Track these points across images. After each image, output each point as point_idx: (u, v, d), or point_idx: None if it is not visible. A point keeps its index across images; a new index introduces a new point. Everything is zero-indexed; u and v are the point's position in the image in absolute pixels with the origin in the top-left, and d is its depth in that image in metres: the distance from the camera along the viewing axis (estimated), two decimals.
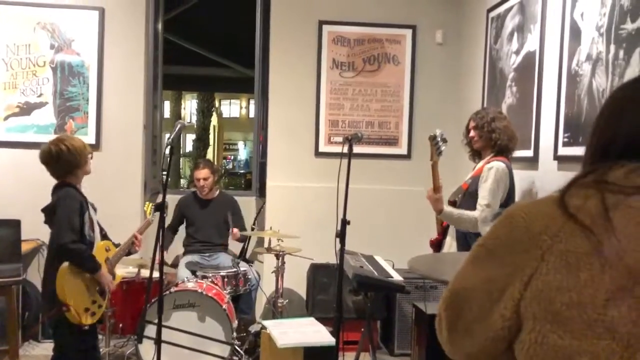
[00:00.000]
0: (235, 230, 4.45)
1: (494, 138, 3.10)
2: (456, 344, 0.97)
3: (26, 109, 4.51)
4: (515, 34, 3.71)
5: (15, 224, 3.40)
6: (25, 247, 3.76)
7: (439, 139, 3.09)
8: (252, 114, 24.39)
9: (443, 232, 3.35)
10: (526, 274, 0.84)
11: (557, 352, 0.80)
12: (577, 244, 0.81)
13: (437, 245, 3.38)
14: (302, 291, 4.63)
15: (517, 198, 3.17)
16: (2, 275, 3.19)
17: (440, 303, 1.00)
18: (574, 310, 0.80)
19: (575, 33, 2.93)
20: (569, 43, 2.99)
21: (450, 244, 3.24)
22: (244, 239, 4.64)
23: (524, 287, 0.84)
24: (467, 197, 3.12)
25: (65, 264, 2.77)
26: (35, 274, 4.47)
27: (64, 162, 2.87)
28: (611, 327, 0.78)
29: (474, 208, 3.07)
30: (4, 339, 3.42)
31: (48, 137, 4.45)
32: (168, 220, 4.14)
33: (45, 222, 2.93)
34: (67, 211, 2.78)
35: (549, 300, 0.81)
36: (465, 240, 3.06)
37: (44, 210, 2.90)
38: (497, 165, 3.04)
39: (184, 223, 4.64)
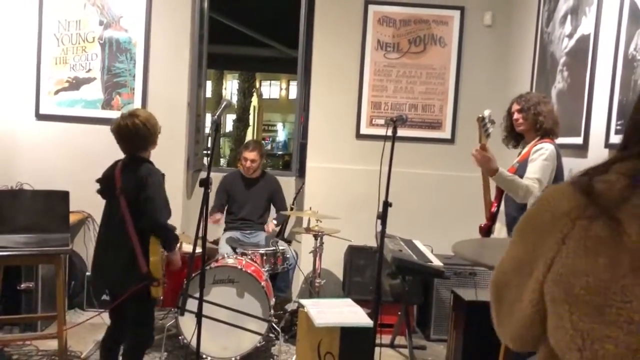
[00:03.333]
0: (270, 227, 4.52)
1: (539, 121, 3.06)
2: (502, 326, 0.98)
3: (75, 84, 4.62)
4: (569, 17, 3.57)
5: (64, 195, 3.48)
6: (72, 219, 3.87)
7: (487, 121, 3.02)
8: (292, 96, 24.38)
9: (492, 218, 3.29)
10: (549, 257, 0.85)
11: (578, 335, 0.80)
12: (598, 228, 0.81)
13: (486, 231, 3.32)
14: (338, 272, 4.65)
15: None
16: (51, 244, 3.29)
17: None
18: (592, 294, 0.79)
19: (635, 15, 2.80)
20: (627, 26, 2.86)
21: (499, 229, 3.17)
22: (283, 220, 4.69)
23: (547, 269, 0.85)
24: None
25: (154, 239, 2.74)
26: (81, 246, 4.63)
27: (142, 137, 2.82)
28: (628, 314, 0.77)
29: None
30: (53, 306, 3.55)
31: (95, 112, 4.62)
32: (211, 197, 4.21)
33: (100, 191, 2.91)
34: (160, 189, 2.74)
35: (568, 283, 0.81)
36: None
37: (102, 180, 2.88)
38: (545, 146, 2.99)
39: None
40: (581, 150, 3.24)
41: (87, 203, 4.42)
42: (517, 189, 2.92)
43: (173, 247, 2.90)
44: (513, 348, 0.97)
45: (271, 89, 29.92)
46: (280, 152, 24.28)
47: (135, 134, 2.81)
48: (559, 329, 0.82)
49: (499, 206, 3.24)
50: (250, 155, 4.59)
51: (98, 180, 2.92)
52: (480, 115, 3.02)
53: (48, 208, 3.50)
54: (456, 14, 4.64)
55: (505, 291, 0.95)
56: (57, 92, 4.62)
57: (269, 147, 26.00)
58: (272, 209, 4.74)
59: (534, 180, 2.92)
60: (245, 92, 23.85)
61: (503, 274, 0.96)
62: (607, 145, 2.99)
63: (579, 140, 3.26)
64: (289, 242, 4.70)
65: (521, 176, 3.03)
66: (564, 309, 0.81)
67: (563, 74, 3.61)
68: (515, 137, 3.26)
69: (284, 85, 29.12)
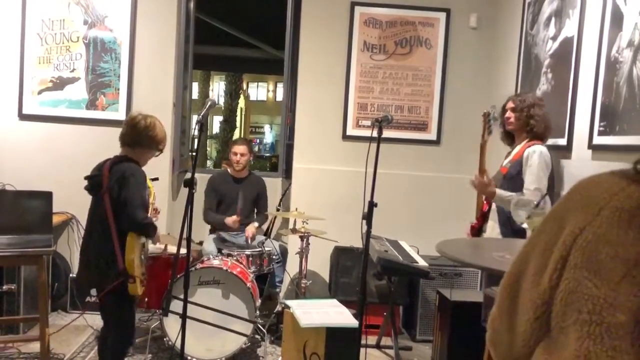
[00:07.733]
0: (251, 232, 4.44)
1: (531, 124, 3.11)
2: (513, 331, 0.93)
3: (59, 84, 4.58)
4: (553, 19, 3.61)
5: (47, 196, 3.44)
6: (55, 220, 3.83)
7: (491, 117, 3.05)
8: (279, 98, 24.34)
9: (482, 217, 3.32)
10: (579, 226, 0.84)
11: (590, 301, 0.79)
12: (633, 204, 0.81)
13: (477, 230, 3.35)
14: (325, 273, 4.65)
15: None
16: (33, 245, 3.24)
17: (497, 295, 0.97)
18: (618, 262, 0.79)
19: (617, 18, 2.83)
20: (610, 29, 2.89)
21: (492, 228, 3.20)
22: (264, 221, 4.68)
23: (574, 239, 0.83)
24: (507, 181, 3.09)
25: (131, 237, 2.77)
26: (64, 247, 4.58)
27: (145, 134, 2.90)
28: None
29: (514, 191, 3.04)
30: (35, 308, 3.50)
31: (80, 112, 4.57)
32: (198, 197, 4.16)
33: (88, 188, 2.91)
34: (139, 188, 2.80)
35: (595, 250, 0.81)
36: (510, 224, 3.03)
37: (90, 177, 2.89)
38: (539, 149, 3.04)
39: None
40: (565, 151, 3.27)
41: (71, 204, 4.38)
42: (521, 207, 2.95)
43: (152, 234, 2.95)
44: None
45: (258, 90, 29.87)
46: (267, 154, 24.24)
47: (142, 128, 2.90)
48: (571, 294, 0.82)
49: (490, 205, 3.27)
50: (240, 148, 4.58)
51: (87, 177, 2.93)
52: (486, 111, 3.05)
53: (31, 209, 3.45)
54: (442, 15, 4.66)
55: (522, 285, 0.91)
56: (40, 92, 4.57)
57: (256, 148, 25.95)
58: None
59: (533, 192, 2.96)
60: (232, 93, 23.77)
61: (520, 265, 0.93)
62: (591, 146, 3.01)
63: (563, 141, 3.29)
64: (275, 241, 4.68)
65: (513, 175, 3.06)
66: (580, 273, 0.81)
67: (547, 75, 3.64)
68: (510, 135, 3.29)
69: (271, 87, 29.09)
